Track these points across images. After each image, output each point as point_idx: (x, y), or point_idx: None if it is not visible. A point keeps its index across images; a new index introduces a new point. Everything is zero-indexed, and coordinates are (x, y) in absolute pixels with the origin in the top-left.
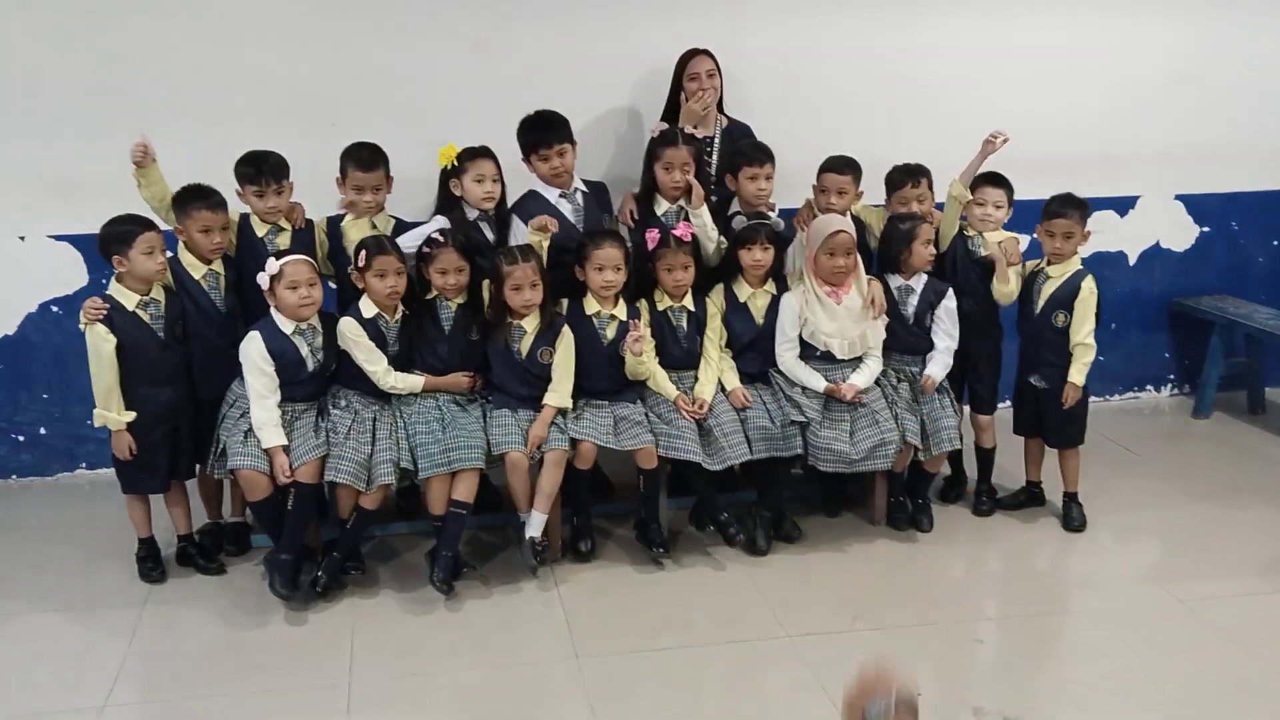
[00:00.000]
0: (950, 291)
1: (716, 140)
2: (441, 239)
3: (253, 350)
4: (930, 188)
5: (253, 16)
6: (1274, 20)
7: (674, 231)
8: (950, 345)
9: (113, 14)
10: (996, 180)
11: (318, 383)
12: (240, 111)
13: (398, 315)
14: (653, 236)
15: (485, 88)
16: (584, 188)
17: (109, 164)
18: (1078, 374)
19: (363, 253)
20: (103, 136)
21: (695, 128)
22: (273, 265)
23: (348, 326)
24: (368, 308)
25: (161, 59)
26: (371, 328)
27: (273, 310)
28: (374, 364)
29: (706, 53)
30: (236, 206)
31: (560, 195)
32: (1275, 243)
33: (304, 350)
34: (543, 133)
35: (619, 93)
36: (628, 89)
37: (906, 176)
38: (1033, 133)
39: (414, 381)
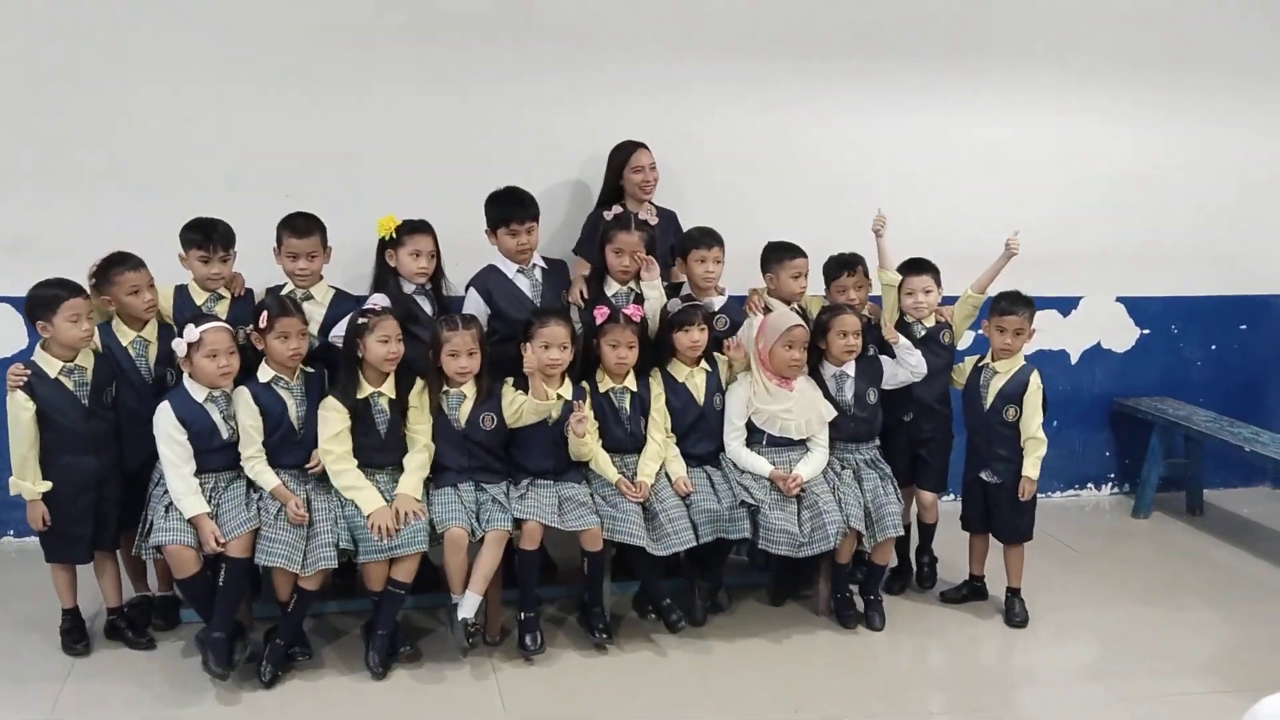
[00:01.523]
0: (883, 361)
1: (657, 229)
2: (379, 308)
3: (163, 420)
4: (866, 276)
5: (208, 85)
6: (1215, 132)
7: (625, 311)
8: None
9: (67, 78)
10: (921, 267)
11: (236, 452)
12: (191, 180)
13: (297, 378)
14: (602, 312)
15: (440, 162)
16: (543, 264)
17: (54, 226)
18: (1032, 467)
19: (264, 313)
20: (48, 199)
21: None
22: (192, 332)
23: (239, 397)
24: (265, 372)
25: (112, 124)
26: (268, 393)
27: (185, 377)
28: (246, 445)
29: (645, 145)
30: (173, 277)
31: (518, 270)
32: (1213, 347)
33: (215, 417)
34: (515, 208)
35: (570, 171)
36: (578, 168)
37: (840, 267)
38: (978, 231)
39: (265, 480)
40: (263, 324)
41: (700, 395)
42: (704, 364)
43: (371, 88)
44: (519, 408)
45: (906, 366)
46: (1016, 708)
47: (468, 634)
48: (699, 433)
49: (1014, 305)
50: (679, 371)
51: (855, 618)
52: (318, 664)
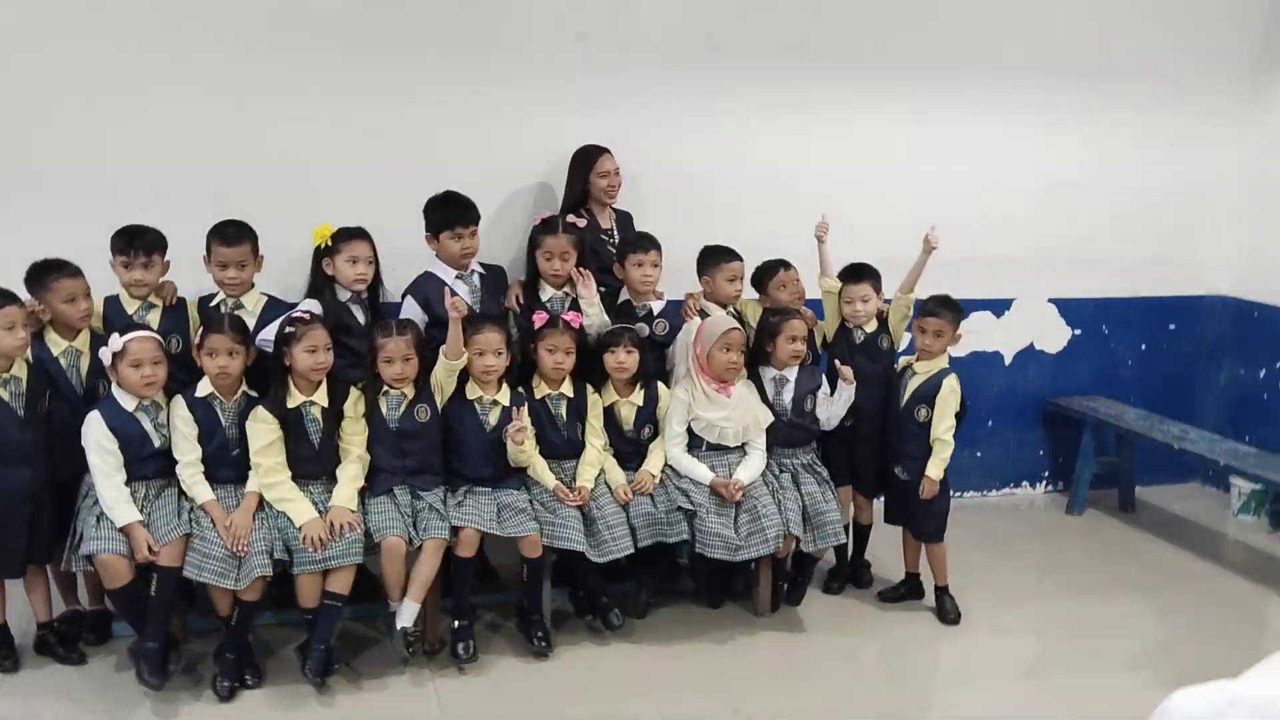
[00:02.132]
0: (824, 378)
1: (615, 229)
2: (307, 316)
3: (93, 430)
4: (796, 278)
5: (139, 93)
6: (1146, 136)
7: (564, 316)
8: (829, 411)
9: (2, 85)
10: (860, 274)
11: (168, 459)
12: (118, 190)
13: (236, 398)
14: (540, 317)
15: (376, 169)
16: (481, 270)
17: None
18: (935, 468)
19: (200, 330)
20: None
21: (580, 215)
22: (116, 341)
23: (174, 406)
24: (204, 386)
25: (44, 133)
26: (203, 408)
27: (114, 387)
28: (181, 453)
29: (608, 150)
30: (107, 286)
31: (457, 276)
32: (1143, 346)
33: (147, 426)
34: (457, 212)
35: (510, 179)
36: (518, 175)
37: (775, 268)
38: (913, 235)
39: (199, 493)
40: (197, 340)
41: (627, 425)
42: (638, 394)
43: (305, 95)
44: (435, 376)
45: (828, 407)
46: (952, 706)
47: (407, 643)
48: (624, 460)
49: (937, 308)
50: (608, 396)
51: (781, 600)
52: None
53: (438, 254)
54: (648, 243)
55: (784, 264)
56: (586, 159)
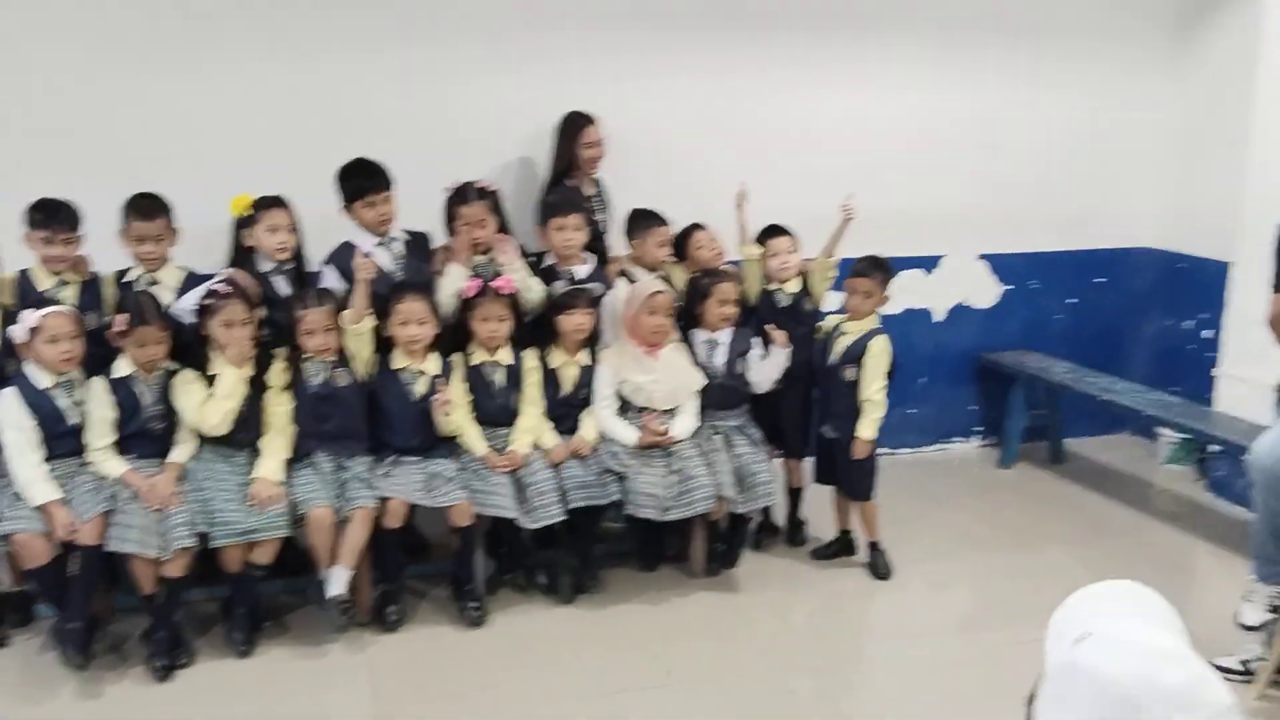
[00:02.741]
0: (756, 340)
1: (599, 198)
2: (228, 289)
3: (7, 407)
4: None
5: (48, 62)
6: (1070, 92)
7: (493, 284)
8: (761, 374)
9: None
10: (779, 230)
11: (83, 438)
12: (27, 163)
13: (156, 374)
14: (473, 285)
15: (294, 136)
16: (405, 236)
17: None
18: (866, 428)
19: (120, 316)
20: None
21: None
22: (31, 317)
23: (93, 388)
24: (121, 366)
25: None
26: (123, 388)
27: (27, 364)
28: (94, 437)
29: (593, 119)
30: (17, 261)
31: (378, 244)
32: (1071, 300)
33: (63, 403)
34: (368, 179)
35: (431, 143)
36: (440, 139)
37: (690, 229)
38: (841, 193)
39: (112, 468)
40: (121, 327)
41: (569, 385)
42: (583, 355)
43: (220, 60)
44: (345, 345)
45: (760, 370)
46: (885, 659)
47: (341, 610)
48: (561, 421)
49: (867, 268)
50: (554, 358)
51: (719, 563)
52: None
53: (357, 223)
54: (569, 206)
55: (697, 225)
56: (573, 127)
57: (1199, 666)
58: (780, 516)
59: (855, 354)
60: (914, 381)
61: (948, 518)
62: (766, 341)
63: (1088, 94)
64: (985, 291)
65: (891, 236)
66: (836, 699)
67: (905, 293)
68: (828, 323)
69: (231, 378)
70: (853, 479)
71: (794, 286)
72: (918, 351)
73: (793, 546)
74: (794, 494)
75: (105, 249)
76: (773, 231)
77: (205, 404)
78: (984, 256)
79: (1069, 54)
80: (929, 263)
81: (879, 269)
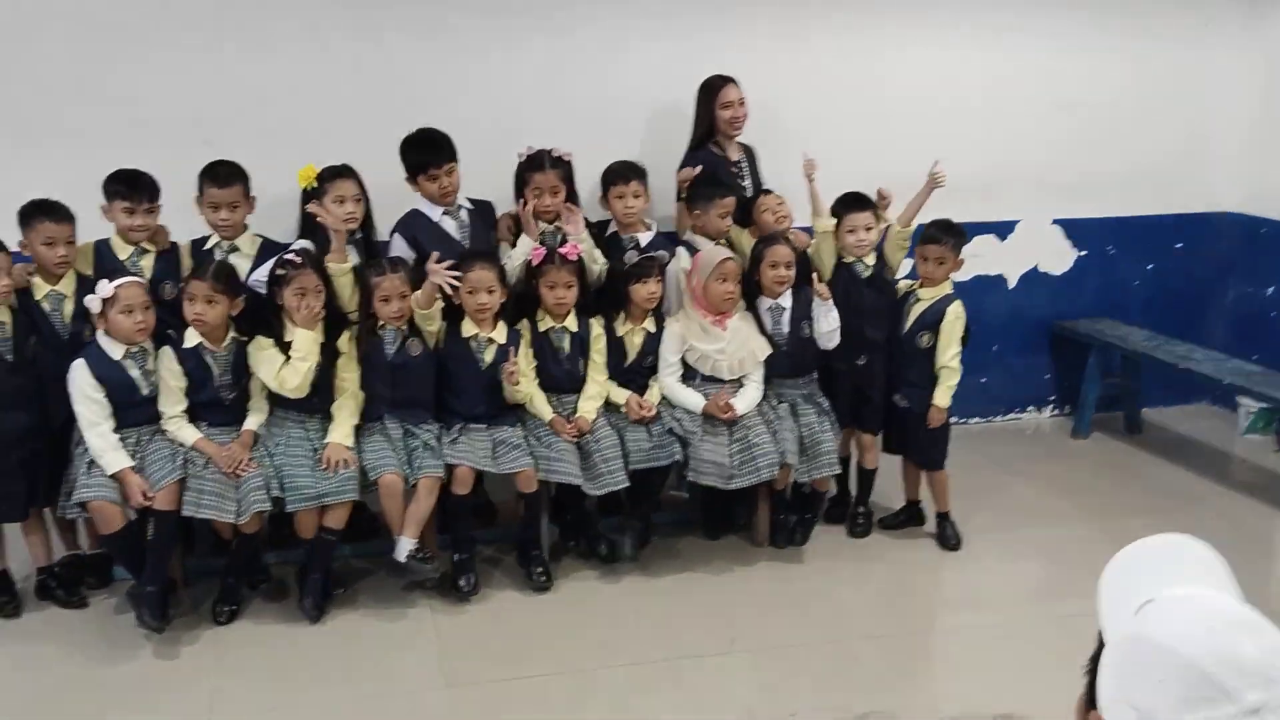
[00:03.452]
0: (820, 300)
1: (746, 164)
2: (298, 259)
3: (79, 379)
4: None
5: (126, 34)
6: (1149, 54)
7: (561, 250)
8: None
9: None
10: (860, 203)
11: (156, 407)
12: (111, 132)
13: (226, 344)
14: (538, 254)
15: (362, 106)
16: (469, 205)
17: None
18: (942, 396)
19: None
20: None
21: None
22: (106, 288)
23: (163, 357)
24: (191, 336)
25: (27, 75)
26: (193, 358)
27: (100, 334)
28: (166, 405)
29: (734, 81)
30: (97, 231)
31: (444, 213)
32: (1149, 266)
33: (134, 373)
34: (431, 153)
35: (497, 110)
36: (506, 107)
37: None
38: (914, 158)
39: (185, 436)
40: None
41: (633, 353)
42: (649, 322)
43: (288, 32)
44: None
45: (818, 330)
46: (953, 630)
47: (419, 560)
48: (625, 387)
49: (939, 234)
50: (620, 326)
51: (785, 538)
52: (256, 614)
53: (421, 194)
54: (630, 172)
55: (765, 190)
56: (710, 90)
57: (1274, 634)
58: (848, 489)
59: (930, 321)
60: (986, 350)
61: (1019, 488)
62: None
63: (1168, 54)
64: (1060, 257)
65: (964, 201)
66: (903, 668)
67: (977, 259)
68: (899, 288)
69: (305, 339)
70: (925, 448)
71: (871, 257)
72: (990, 319)
73: (853, 538)
74: (866, 477)
75: (179, 218)
76: (851, 204)
77: (283, 368)
78: (1058, 221)
79: (1149, 12)
80: (1002, 228)
81: (952, 234)
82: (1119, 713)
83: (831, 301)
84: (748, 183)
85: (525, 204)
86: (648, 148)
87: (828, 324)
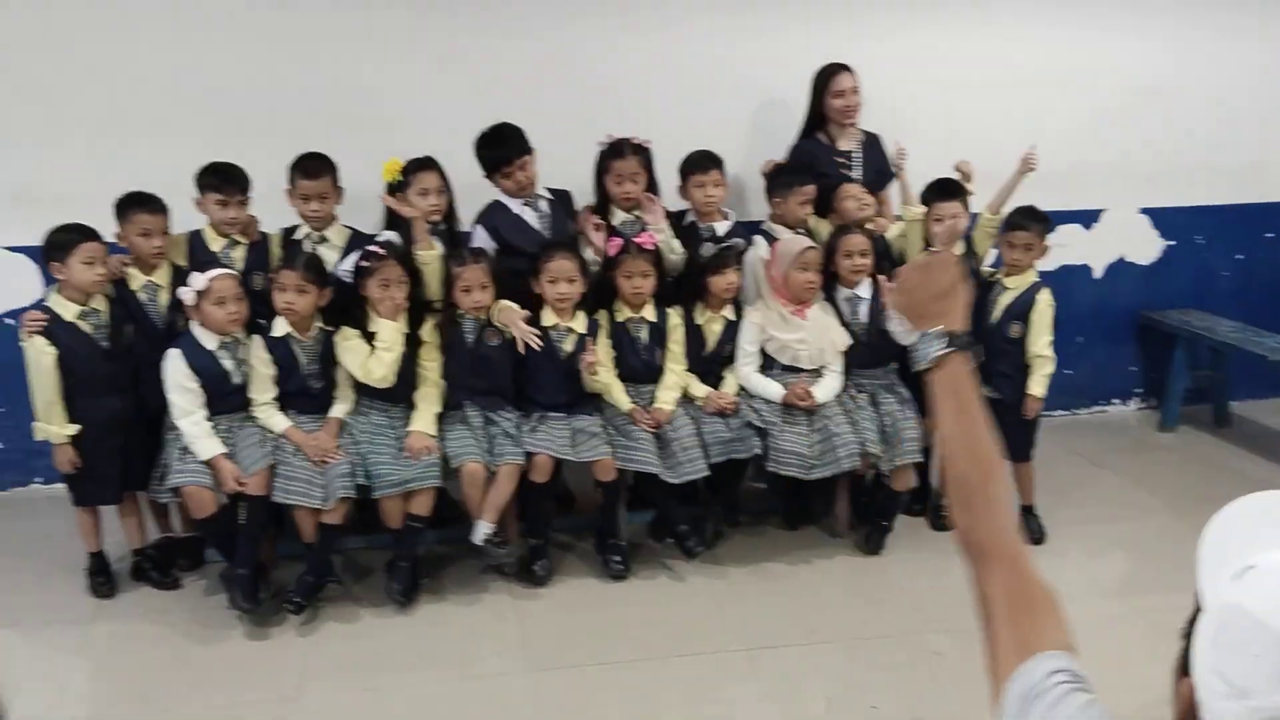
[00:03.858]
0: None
1: (859, 154)
2: (382, 251)
3: (173, 369)
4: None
5: (213, 29)
6: (1239, 38)
7: (636, 239)
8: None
9: (71, 25)
10: (949, 192)
11: (247, 395)
12: (199, 125)
13: (313, 334)
14: (615, 244)
15: (449, 100)
16: (548, 195)
17: (65, 174)
18: (1038, 385)
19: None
20: (58, 146)
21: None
22: (199, 280)
23: (253, 346)
24: (279, 326)
25: (120, 70)
26: (281, 347)
27: (193, 325)
28: (257, 392)
29: (849, 69)
30: (190, 222)
31: (524, 204)
32: (1239, 256)
33: (228, 364)
34: (503, 149)
35: (578, 102)
36: (585, 98)
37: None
38: (999, 146)
39: (276, 423)
40: (273, 276)
41: (712, 342)
42: (727, 310)
43: (371, 25)
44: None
45: (897, 324)
46: None
47: (496, 545)
48: (704, 377)
49: (1025, 221)
50: (699, 315)
51: (863, 537)
52: (343, 598)
53: (501, 189)
54: (709, 162)
55: (848, 177)
56: (821, 78)
57: None
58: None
59: (1019, 310)
60: (1071, 341)
61: (1104, 482)
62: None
63: (1258, 38)
64: (1147, 247)
65: (1049, 190)
66: (983, 662)
67: (1062, 248)
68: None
69: (390, 330)
70: (1014, 439)
71: (960, 247)
72: (1075, 310)
73: (936, 530)
74: None
75: (269, 210)
76: (944, 192)
77: (369, 359)
78: (1145, 210)
79: None
80: (1088, 217)
81: (1038, 221)
82: (1211, 684)
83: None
84: (857, 173)
85: (588, 216)
86: (734, 140)
87: (903, 326)
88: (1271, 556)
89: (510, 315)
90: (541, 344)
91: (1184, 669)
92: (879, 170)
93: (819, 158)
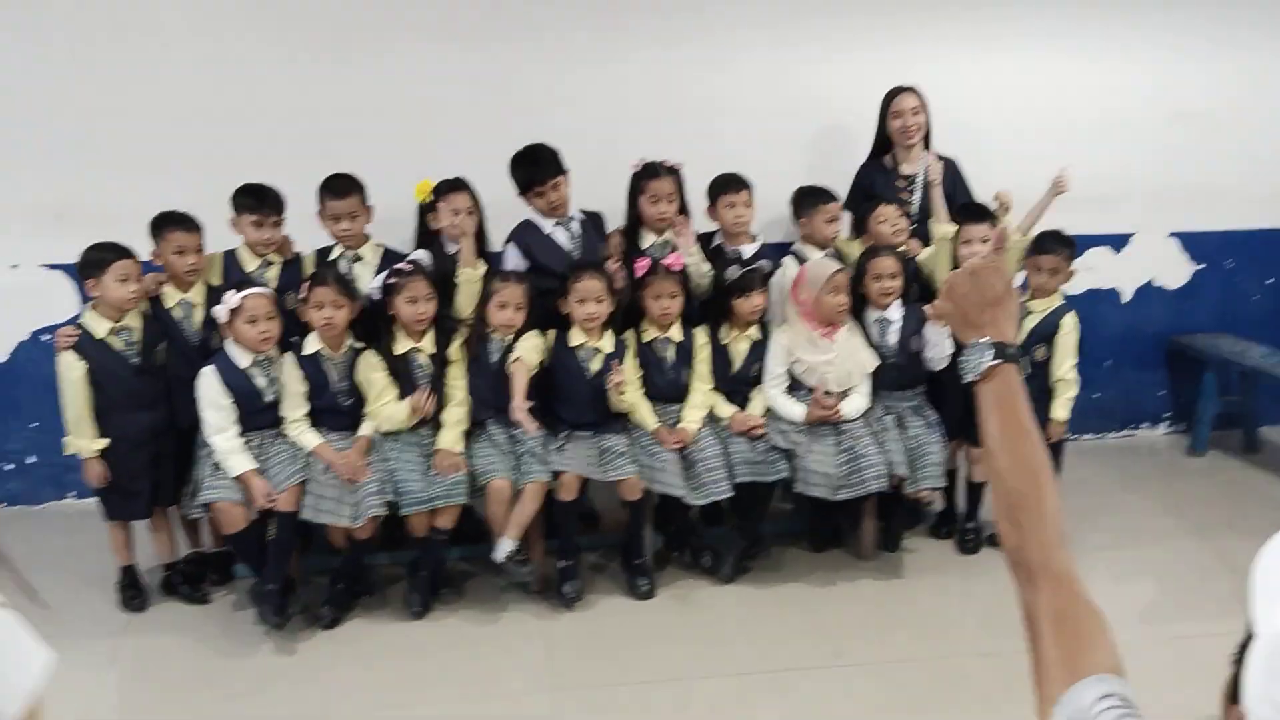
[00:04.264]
0: (934, 325)
1: (920, 177)
2: (409, 268)
3: (206, 386)
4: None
5: (247, 49)
6: (1271, 61)
7: (664, 261)
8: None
9: (109, 44)
10: (979, 214)
11: (279, 412)
12: (235, 145)
13: (344, 350)
14: (642, 264)
15: (482, 121)
16: (581, 216)
17: (102, 192)
18: (1061, 409)
19: (304, 284)
20: (97, 165)
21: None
22: (232, 299)
23: (285, 364)
24: (310, 343)
25: (155, 90)
26: (311, 364)
27: (227, 343)
28: (289, 410)
29: (912, 89)
30: (224, 242)
31: (555, 224)
32: (1269, 281)
33: (261, 382)
34: (536, 169)
35: (608, 123)
36: (614, 118)
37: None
38: (1029, 169)
39: (307, 441)
40: (303, 294)
41: (738, 361)
42: (753, 331)
43: (405, 46)
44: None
45: (930, 351)
46: None
47: (516, 563)
48: (731, 397)
49: (1051, 244)
50: (725, 335)
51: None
52: (369, 614)
53: (534, 208)
54: (738, 183)
55: (883, 199)
56: (886, 100)
57: None
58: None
59: (1045, 333)
60: (1099, 365)
61: (1132, 507)
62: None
63: None
64: (1176, 271)
65: (1079, 213)
66: (1010, 686)
67: (1091, 271)
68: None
69: (398, 417)
70: None
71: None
72: (1104, 333)
73: (963, 554)
74: (975, 490)
75: (302, 230)
76: (973, 214)
77: (385, 407)
78: (1175, 234)
79: (1268, 21)
80: (1117, 240)
81: (1064, 244)
82: (1265, 713)
83: (948, 331)
84: (916, 197)
85: (612, 258)
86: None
87: (939, 351)
88: None
89: (519, 376)
90: (537, 432)
91: (1233, 697)
92: (953, 195)
93: (877, 181)
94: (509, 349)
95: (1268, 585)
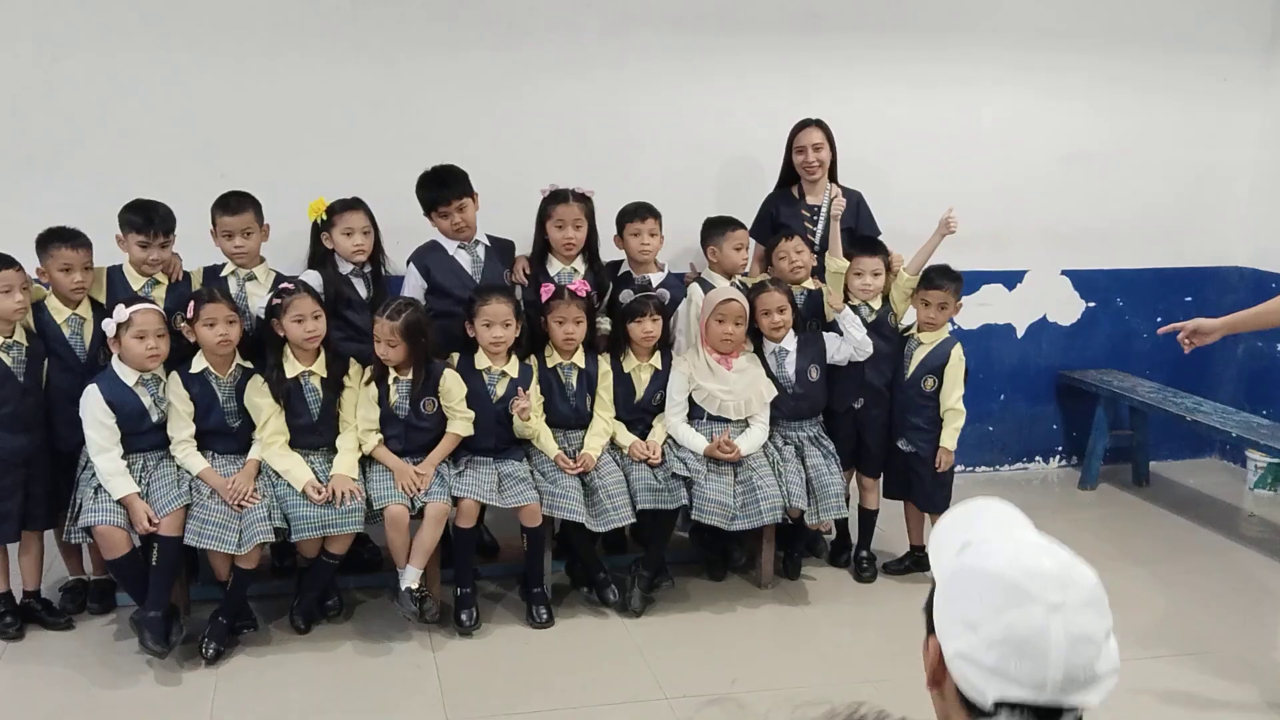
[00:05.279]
0: (826, 337)
1: (824, 209)
2: (293, 286)
3: (91, 403)
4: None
5: (144, 66)
6: (1159, 107)
7: (570, 286)
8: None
9: (6, 54)
10: (872, 248)
11: (166, 433)
12: (119, 161)
13: (231, 370)
14: (547, 289)
15: (381, 141)
16: (486, 241)
17: None
18: (949, 438)
19: (191, 303)
20: None
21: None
22: (121, 313)
23: (170, 383)
24: (197, 362)
25: (51, 105)
26: (198, 383)
27: (114, 360)
28: (175, 430)
29: (817, 124)
30: (111, 257)
31: (459, 247)
32: (1158, 319)
33: (146, 401)
34: (441, 189)
35: (516, 149)
36: (524, 145)
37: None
38: (925, 207)
39: (193, 464)
40: (190, 313)
41: (641, 390)
42: (655, 359)
43: (306, 64)
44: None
45: (851, 342)
46: None
47: (414, 599)
48: (632, 425)
49: (940, 279)
50: (628, 362)
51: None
52: (258, 643)
53: (439, 230)
54: (645, 211)
55: (787, 234)
56: (791, 133)
57: (1067, 554)
58: (853, 536)
59: (934, 364)
60: (994, 398)
61: None
62: (828, 326)
63: (1178, 107)
64: (1068, 307)
65: (973, 250)
66: (906, 712)
67: (985, 307)
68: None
69: (292, 468)
70: (929, 492)
71: (877, 302)
72: (997, 368)
73: (859, 581)
74: (868, 518)
75: (187, 248)
76: (866, 247)
77: (267, 443)
78: (1067, 272)
79: (1159, 65)
80: (1011, 278)
81: (951, 279)
82: (952, 631)
83: (854, 315)
84: (820, 228)
85: (548, 235)
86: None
87: (857, 330)
88: (979, 533)
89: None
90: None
91: (930, 631)
92: (853, 228)
93: (783, 210)
94: (416, 399)
95: (938, 544)
